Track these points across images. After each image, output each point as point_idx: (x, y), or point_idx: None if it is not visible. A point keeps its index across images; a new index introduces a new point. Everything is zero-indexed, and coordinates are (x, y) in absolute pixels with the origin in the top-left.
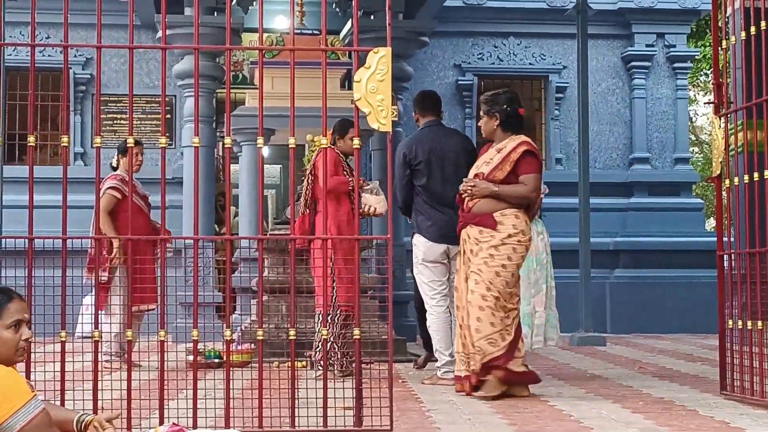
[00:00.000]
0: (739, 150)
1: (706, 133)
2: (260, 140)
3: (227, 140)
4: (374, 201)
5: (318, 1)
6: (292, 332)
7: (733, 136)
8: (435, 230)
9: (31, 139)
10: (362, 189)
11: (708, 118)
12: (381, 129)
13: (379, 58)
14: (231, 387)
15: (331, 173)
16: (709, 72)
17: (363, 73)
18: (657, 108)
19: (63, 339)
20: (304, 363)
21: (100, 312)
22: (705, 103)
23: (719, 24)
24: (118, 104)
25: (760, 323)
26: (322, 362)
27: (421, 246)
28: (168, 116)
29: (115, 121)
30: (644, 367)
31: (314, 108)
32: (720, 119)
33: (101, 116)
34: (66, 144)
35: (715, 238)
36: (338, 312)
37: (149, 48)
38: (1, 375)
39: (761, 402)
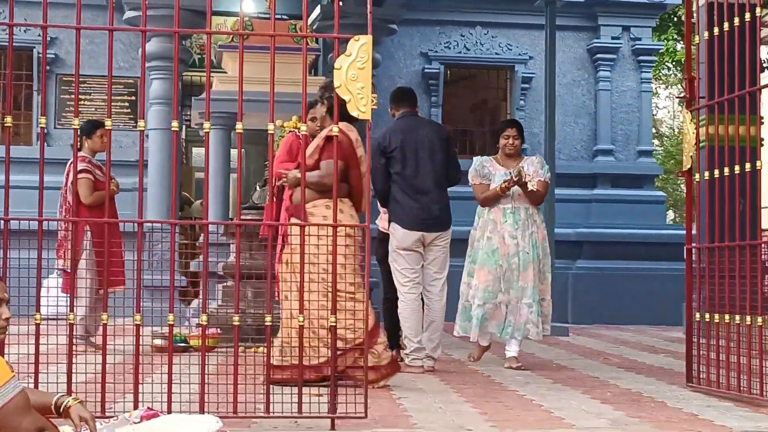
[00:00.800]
0: (703, 145)
1: (666, 126)
2: (239, 125)
3: (206, 125)
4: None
5: None
6: (268, 318)
7: (700, 130)
8: (410, 218)
9: (8, 119)
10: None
11: (668, 111)
12: (360, 117)
13: (360, 46)
14: (206, 372)
15: (281, 159)
16: (671, 66)
17: (343, 61)
18: (621, 100)
19: (38, 321)
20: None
21: (66, 295)
22: (677, 97)
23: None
24: (82, 85)
25: (727, 317)
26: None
27: (397, 234)
28: (132, 98)
29: (79, 102)
30: (609, 358)
31: (282, 93)
32: (691, 113)
33: (63, 97)
34: (44, 125)
35: (675, 231)
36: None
37: (129, 30)
38: None
39: (727, 394)
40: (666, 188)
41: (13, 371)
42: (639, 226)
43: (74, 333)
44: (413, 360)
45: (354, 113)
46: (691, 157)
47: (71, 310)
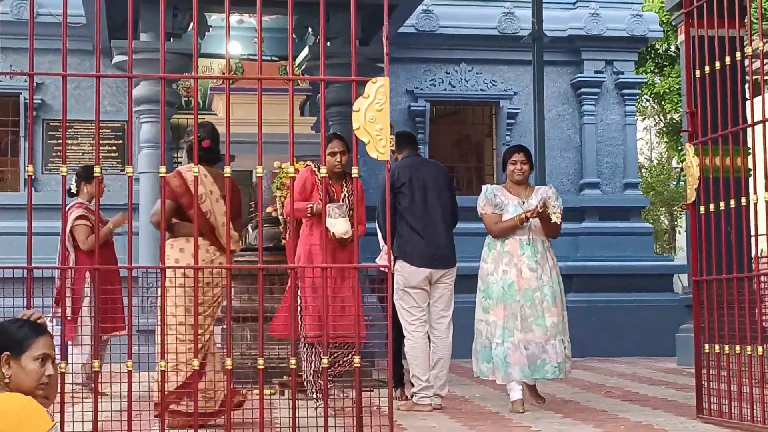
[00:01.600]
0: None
1: (645, 158)
2: (228, 169)
3: (194, 169)
4: (330, 224)
5: (274, 27)
6: (261, 361)
7: (685, 163)
8: (417, 254)
9: None
10: (329, 215)
11: (646, 143)
12: (379, 158)
13: (378, 88)
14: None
15: (298, 197)
16: (649, 98)
17: (362, 103)
18: (606, 134)
19: None
20: (273, 391)
21: (69, 342)
22: (679, 132)
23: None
24: (69, 130)
25: (738, 347)
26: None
27: (404, 272)
28: (120, 141)
29: (66, 147)
30: (610, 391)
31: (273, 134)
32: (694, 147)
33: (50, 142)
34: (31, 173)
35: (662, 262)
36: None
37: (115, 77)
38: (23, 402)
39: (739, 425)
40: (647, 219)
41: (53, 420)
42: (627, 258)
43: (80, 381)
44: (422, 398)
45: (373, 155)
46: (696, 189)
47: (63, 359)
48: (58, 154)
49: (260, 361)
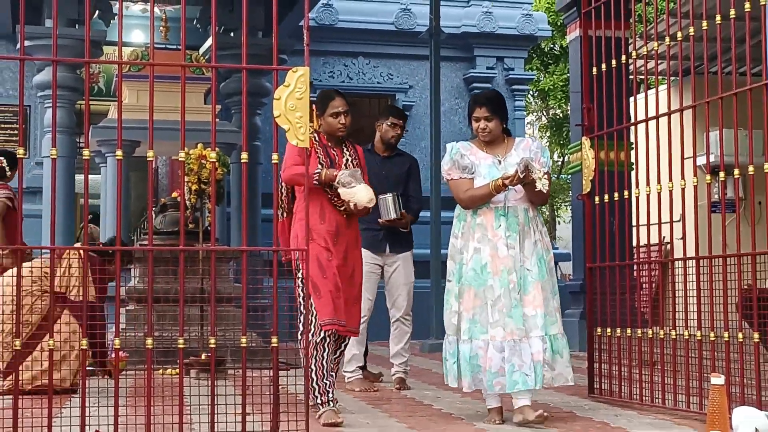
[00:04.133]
0: (578, 169)
1: None
2: (150, 153)
3: (86, 152)
4: (350, 193)
5: (179, 17)
6: (181, 341)
7: (578, 155)
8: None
9: None
10: (340, 182)
11: (529, 137)
12: (300, 145)
13: (298, 77)
14: (152, 395)
15: (291, 162)
16: (534, 94)
17: (282, 91)
18: None
19: None
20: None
21: None
22: (577, 125)
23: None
24: None
25: (629, 330)
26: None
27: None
28: (23, 126)
29: None
30: None
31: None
32: (590, 140)
33: None
34: None
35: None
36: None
37: (8, 59)
38: None
39: (629, 403)
40: None
41: None
42: None
43: None
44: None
45: (293, 142)
46: (591, 181)
47: None
48: None
49: (180, 341)
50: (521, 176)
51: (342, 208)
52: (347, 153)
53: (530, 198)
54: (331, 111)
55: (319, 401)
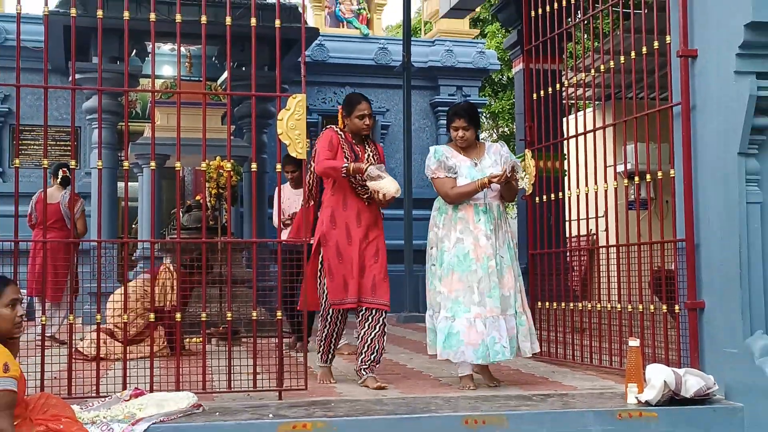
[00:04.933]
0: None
1: None
2: (178, 164)
3: (125, 164)
4: (380, 185)
5: (200, 55)
6: (204, 315)
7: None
8: None
9: None
10: (366, 177)
11: (495, 141)
12: (298, 157)
13: (297, 102)
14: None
15: (324, 157)
16: (487, 116)
17: (284, 114)
18: None
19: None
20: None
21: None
22: (520, 140)
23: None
24: (31, 133)
25: (563, 304)
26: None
27: None
28: (75, 143)
29: (29, 147)
30: None
31: (200, 138)
32: (531, 152)
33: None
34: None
35: None
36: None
37: (62, 88)
38: None
39: (564, 362)
40: None
41: (9, 371)
42: None
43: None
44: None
45: (294, 154)
46: (532, 185)
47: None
48: (23, 153)
49: (203, 315)
50: (509, 175)
51: (365, 196)
52: (369, 149)
53: (504, 195)
54: (357, 113)
55: (319, 363)
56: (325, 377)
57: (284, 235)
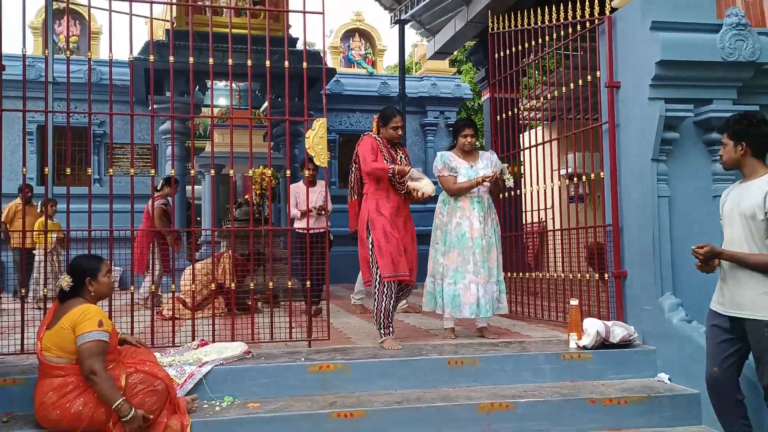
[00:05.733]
0: None
1: None
2: (231, 171)
3: (192, 172)
4: (420, 185)
5: (246, 89)
6: (252, 284)
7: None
8: None
9: (68, 170)
10: (407, 179)
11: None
12: (321, 165)
13: (319, 124)
14: (234, 317)
15: (370, 159)
16: None
17: (310, 133)
18: None
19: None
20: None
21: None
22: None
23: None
24: (121, 149)
25: (521, 273)
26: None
27: None
28: (154, 156)
29: (119, 160)
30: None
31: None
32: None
33: (108, 156)
34: (90, 173)
35: None
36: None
37: (143, 115)
38: (93, 308)
39: (522, 318)
40: None
41: (105, 325)
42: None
43: (138, 297)
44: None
45: (318, 164)
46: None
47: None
48: (115, 163)
49: (251, 284)
50: (498, 176)
51: (403, 192)
52: (400, 152)
53: (492, 190)
54: (392, 124)
55: (381, 332)
56: (391, 344)
57: (308, 222)
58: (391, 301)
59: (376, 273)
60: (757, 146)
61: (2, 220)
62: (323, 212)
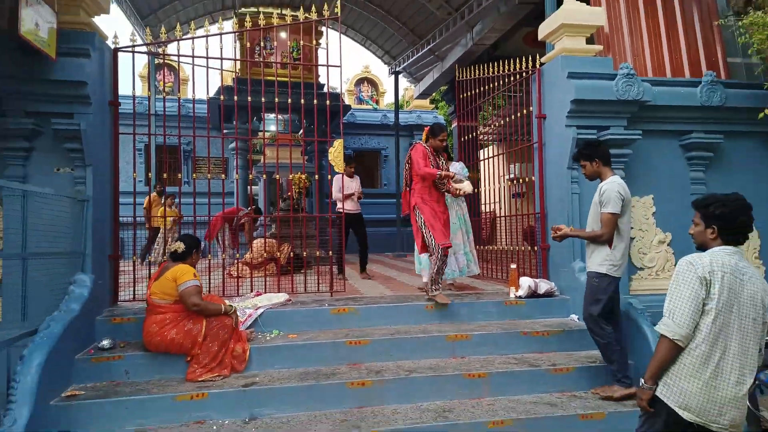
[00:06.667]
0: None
1: None
2: (278, 176)
3: (251, 176)
4: (462, 186)
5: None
6: (304, 253)
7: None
8: None
9: (164, 175)
10: (453, 179)
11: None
12: (338, 170)
13: (338, 143)
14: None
15: (423, 164)
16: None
17: (332, 150)
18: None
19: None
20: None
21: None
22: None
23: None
24: (202, 161)
25: (481, 246)
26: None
27: None
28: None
29: (201, 168)
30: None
31: (288, 163)
32: (467, 168)
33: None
34: (180, 177)
35: None
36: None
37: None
38: (189, 267)
39: (480, 277)
40: None
41: (197, 276)
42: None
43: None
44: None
45: (336, 170)
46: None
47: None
48: (198, 170)
49: (292, 253)
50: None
51: (442, 189)
52: (441, 159)
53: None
54: (440, 137)
55: (433, 288)
56: (442, 297)
57: (347, 204)
58: (444, 264)
59: (434, 243)
60: (603, 158)
61: (144, 206)
62: (360, 197)
